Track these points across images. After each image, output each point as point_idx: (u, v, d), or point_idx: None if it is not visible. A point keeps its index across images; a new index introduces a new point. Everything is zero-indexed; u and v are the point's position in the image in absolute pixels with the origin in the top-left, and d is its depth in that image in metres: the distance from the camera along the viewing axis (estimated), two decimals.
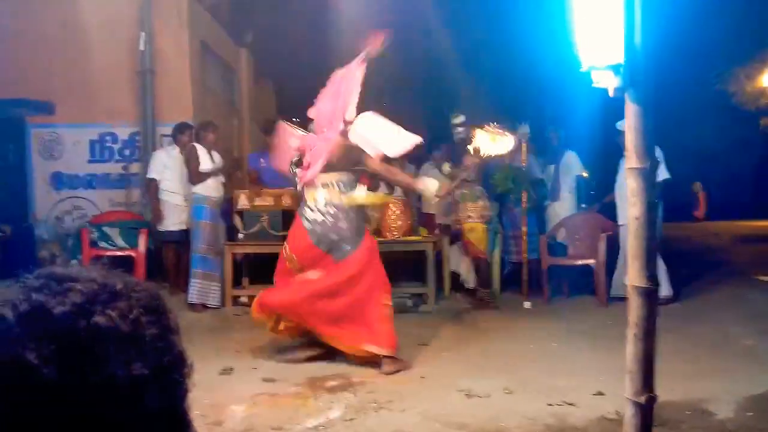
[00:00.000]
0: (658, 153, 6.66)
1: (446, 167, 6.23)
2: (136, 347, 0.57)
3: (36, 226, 7.50)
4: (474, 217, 6.04)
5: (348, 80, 4.21)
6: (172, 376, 0.60)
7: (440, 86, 8.24)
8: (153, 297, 0.63)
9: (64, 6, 7.01)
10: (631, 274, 2.03)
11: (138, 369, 0.56)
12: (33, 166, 7.51)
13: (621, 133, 6.23)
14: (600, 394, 3.43)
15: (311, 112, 4.46)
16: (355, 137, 4.19)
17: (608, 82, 1.96)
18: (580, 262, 6.33)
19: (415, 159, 7.99)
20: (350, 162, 4.23)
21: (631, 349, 2.08)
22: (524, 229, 6.13)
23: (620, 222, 5.82)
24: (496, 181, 6.29)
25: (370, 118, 4.26)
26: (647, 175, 1.95)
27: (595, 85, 2.01)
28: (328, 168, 4.17)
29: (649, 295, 1.99)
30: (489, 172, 6.37)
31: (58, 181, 7.46)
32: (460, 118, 6.06)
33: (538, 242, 6.35)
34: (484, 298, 6.07)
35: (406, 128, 4.34)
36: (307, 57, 8.60)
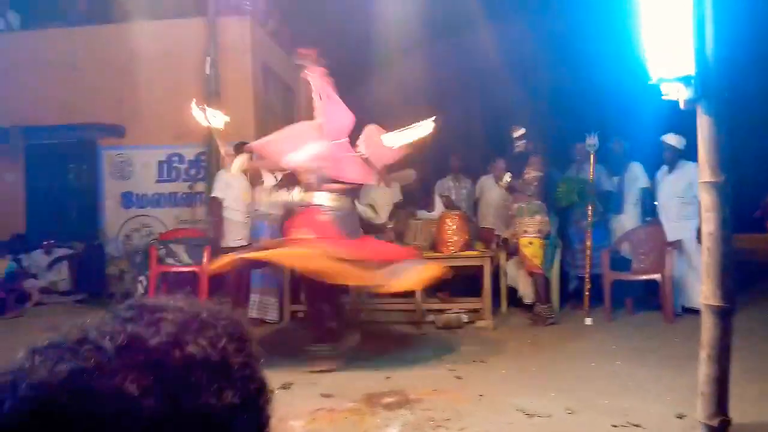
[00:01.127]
0: (638, 166, 6.48)
1: (506, 178, 6.13)
2: (226, 376, 0.58)
3: (106, 243, 7.87)
4: (530, 232, 5.94)
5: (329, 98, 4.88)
6: (257, 403, 0.61)
7: (500, 98, 8.19)
8: (237, 325, 0.63)
9: (133, 36, 7.41)
10: (705, 292, 1.96)
11: (229, 397, 0.56)
12: (104, 187, 7.91)
13: (668, 148, 6.09)
14: (668, 415, 3.30)
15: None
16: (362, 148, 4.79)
17: (679, 94, 1.91)
18: (644, 277, 6.12)
19: (471, 171, 7.96)
20: None
21: (704, 370, 2.01)
22: (588, 243, 5.98)
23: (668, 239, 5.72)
24: (561, 195, 6.16)
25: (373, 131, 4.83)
26: (722, 189, 1.89)
27: (665, 97, 1.96)
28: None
29: (724, 314, 1.92)
30: (553, 185, 6.26)
31: (128, 200, 7.83)
32: (520, 131, 5.98)
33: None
34: (542, 314, 5.94)
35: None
36: (361, 74, 8.74)
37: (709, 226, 1.93)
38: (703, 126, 1.93)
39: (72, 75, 7.73)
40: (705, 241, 1.95)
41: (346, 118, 4.99)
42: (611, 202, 6.57)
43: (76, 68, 7.74)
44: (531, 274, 6.06)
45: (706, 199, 1.94)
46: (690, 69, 1.88)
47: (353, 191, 5.18)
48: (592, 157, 5.97)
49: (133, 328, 0.56)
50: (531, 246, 5.91)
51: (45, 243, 7.59)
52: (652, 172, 6.56)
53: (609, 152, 6.54)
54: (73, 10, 8.05)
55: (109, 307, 0.63)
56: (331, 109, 4.92)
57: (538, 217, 5.92)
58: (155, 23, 7.70)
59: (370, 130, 4.97)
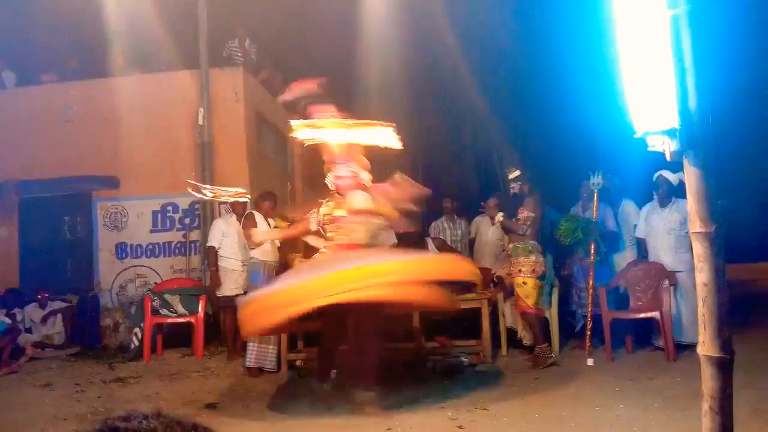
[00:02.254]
0: (630, 203, 6.52)
1: (498, 217, 6.11)
2: None
3: (101, 295, 7.81)
4: (525, 272, 5.89)
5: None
6: None
7: (492, 138, 8.29)
8: (196, 424, 0.67)
9: (127, 89, 7.52)
10: (704, 343, 1.94)
11: None
12: (98, 238, 7.90)
13: (663, 183, 6.13)
14: None
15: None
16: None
17: (665, 146, 1.94)
18: (642, 315, 6.08)
19: (464, 210, 7.99)
20: None
21: (707, 423, 1.97)
22: (591, 282, 5.96)
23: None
24: (563, 232, 6.16)
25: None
26: (714, 239, 1.90)
27: (650, 149, 1.99)
28: None
29: (724, 365, 1.90)
30: (550, 225, 6.27)
31: (122, 251, 7.81)
32: (516, 173, 5.99)
33: (609, 295, 6.15)
34: (540, 354, 5.87)
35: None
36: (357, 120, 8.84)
37: (703, 276, 1.92)
38: (691, 177, 1.95)
39: (66, 129, 7.81)
40: (700, 291, 1.95)
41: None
42: (614, 241, 6.58)
43: (70, 122, 7.82)
44: (523, 314, 5.98)
45: (699, 250, 1.94)
46: (674, 121, 1.90)
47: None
48: (596, 195, 5.98)
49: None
50: (525, 286, 5.86)
51: (39, 296, 7.53)
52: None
53: (603, 189, 6.56)
54: (67, 67, 8.18)
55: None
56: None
57: (532, 257, 5.89)
58: (148, 76, 7.83)
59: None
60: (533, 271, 5.88)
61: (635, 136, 1.95)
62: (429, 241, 7.05)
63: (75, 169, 7.65)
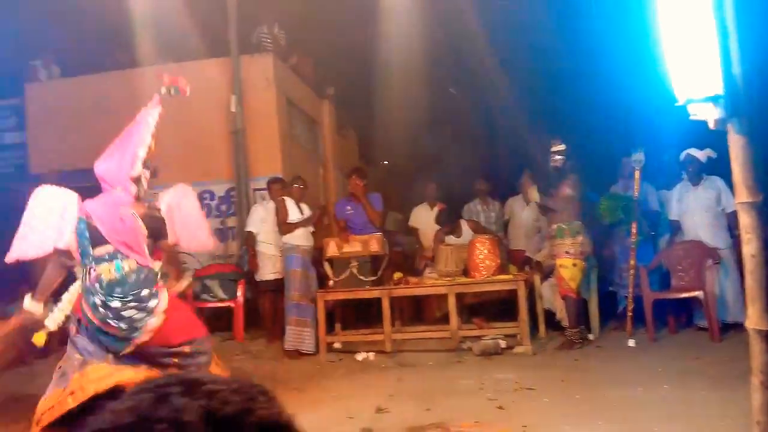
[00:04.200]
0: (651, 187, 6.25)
1: (534, 194, 5.95)
2: None
3: None
4: (573, 253, 5.76)
5: (136, 128, 3.74)
6: None
7: (526, 118, 8.13)
8: (264, 387, 0.67)
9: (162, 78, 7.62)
10: (751, 316, 1.88)
11: None
12: None
13: (693, 161, 5.93)
14: None
15: (98, 168, 3.69)
16: (163, 207, 3.67)
17: (708, 114, 1.86)
18: (684, 295, 5.94)
19: (498, 192, 7.89)
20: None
21: (757, 397, 1.91)
22: (632, 262, 5.82)
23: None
24: (604, 211, 6.02)
25: (186, 196, 3.86)
26: (761, 208, 1.82)
27: (693, 117, 1.92)
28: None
29: None
30: (589, 205, 6.14)
31: None
32: (560, 146, 5.83)
33: (651, 275, 6.02)
34: (571, 338, 5.78)
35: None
36: (386, 105, 8.80)
37: (750, 247, 1.86)
38: (736, 146, 1.87)
39: (104, 119, 7.95)
40: (747, 263, 1.88)
41: None
42: (656, 220, 6.42)
43: (109, 112, 7.97)
44: (563, 297, 5.89)
45: (745, 220, 1.87)
46: (718, 88, 1.83)
47: None
48: (637, 173, 5.83)
49: (202, 402, 0.59)
50: (573, 268, 5.74)
51: None
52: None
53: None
54: (110, 58, 8.34)
55: (142, 386, 0.63)
56: None
57: (580, 238, 5.76)
58: (182, 65, 7.90)
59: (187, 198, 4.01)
60: (581, 252, 5.77)
61: (677, 104, 1.89)
62: (463, 223, 7.00)
63: None
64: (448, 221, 6.88)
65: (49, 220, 3.46)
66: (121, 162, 3.59)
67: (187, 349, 3.43)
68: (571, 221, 5.76)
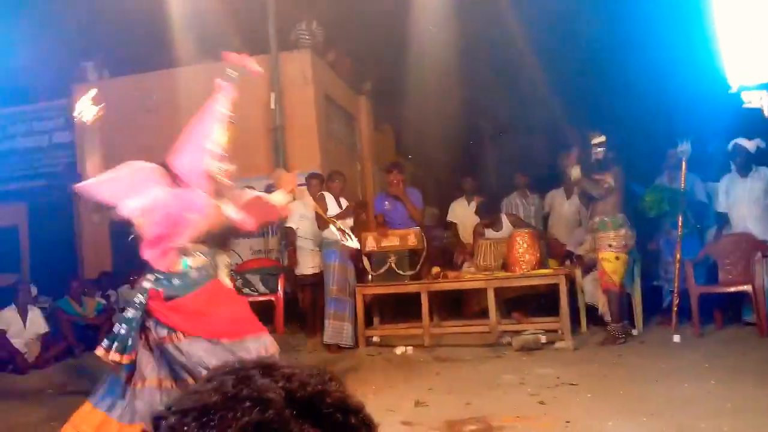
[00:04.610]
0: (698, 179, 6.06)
1: (576, 173, 5.82)
2: (359, 415, 0.64)
3: None
4: (616, 246, 5.66)
5: (201, 119, 3.56)
6: None
7: (567, 109, 7.99)
8: (333, 372, 0.68)
9: (201, 77, 7.75)
10: None
11: None
12: None
13: (741, 152, 5.73)
14: None
15: (172, 165, 3.52)
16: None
17: (761, 101, 1.81)
18: (732, 289, 5.77)
19: (537, 185, 7.78)
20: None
21: None
22: (678, 255, 5.68)
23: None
24: (649, 204, 5.90)
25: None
26: None
27: (746, 105, 1.86)
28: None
29: None
30: (632, 198, 6.01)
31: None
32: (600, 138, 5.73)
33: (697, 269, 5.88)
34: (614, 333, 5.68)
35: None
36: (422, 99, 8.78)
37: None
38: None
39: (146, 118, 8.17)
40: None
41: None
42: (703, 213, 6.25)
43: (150, 111, 8.18)
44: (605, 291, 5.79)
45: None
46: None
47: None
48: (684, 164, 5.69)
49: (282, 383, 0.61)
50: (616, 261, 5.63)
51: (131, 278, 7.97)
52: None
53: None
54: (154, 58, 8.53)
55: (225, 368, 0.65)
56: None
57: (623, 231, 5.65)
58: (221, 63, 8.04)
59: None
60: (625, 245, 5.66)
61: (730, 91, 1.84)
62: (503, 217, 6.94)
63: (158, 156, 7.97)
64: (488, 214, 6.83)
65: (131, 180, 3.50)
66: (191, 157, 3.43)
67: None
68: (614, 214, 5.66)
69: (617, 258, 5.62)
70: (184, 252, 3.37)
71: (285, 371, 0.63)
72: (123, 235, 8.50)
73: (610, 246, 5.63)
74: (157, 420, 0.61)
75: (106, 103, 9.08)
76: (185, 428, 0.58)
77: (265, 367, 0.64)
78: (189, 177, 3.41)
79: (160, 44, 8.27)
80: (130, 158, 8.64)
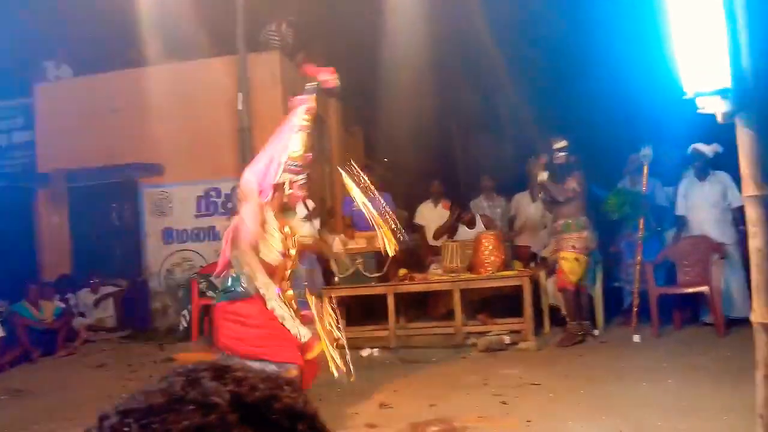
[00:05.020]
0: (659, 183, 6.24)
1: (543, 176, 5.91)
2: (312, 423, 0.62)
3: (149, 279, 8.04)
4: (578, 248, 5.77)
5: (281, 132, 3.65)
6: None
7: (532, 113, 8.11)
8: (289, 377, 0.68)
9: (168, 77, 7.67)
10: (757, 310, 1.89)
11: None
12: (145, 224, 8.12)
13: (699, 156, 5.91)
14: None
15: (246, 175, 3.56)
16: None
17: (716, 107, 1.87)
18: (690, 290, 5.93)
19: (503, 188, 7.88)
20: None
21: (761, 392, 1.92)
22: (639, 257, 5.82)
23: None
24: (611, 207, 6.02)
25: None
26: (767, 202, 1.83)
27: (700, 111, 1.92)
28: None
29: None
30: (594, 200, 6.13)
31: (169, 236, 8.01)
32: (562, 143, 5.83)
33: (657, 271, 6.02)
34: (571, 331, 5.79)
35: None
36: (392, 102, 8.80)
37: (756, 241, 1.86)
38: (744, 139, 1.88)
39: (111, 118, 8.01)
40: (753, 257, 1.89)
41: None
42: (664, 216, 6.40)
43: (116, 111, 8.02)
44: (561, 289, 5.89)
45: (752, 214, 1.87)
46: (726, 82, 1.84)
47: None
48: (645, 168, 5.82)
49: (231, 387, 0.60)
50: (575, 262, 5.75)
51: (91, 281, 7.80)
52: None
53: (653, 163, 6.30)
54: (119, 58, 8.37)
55: (176, 369, 0.64)
56: None
57: (585, 233, 5.77)
58: (187, 64, 7.95)
59: None
60: (586, 247, 5.78)
61: (685, 97, 1.89)
62: (478, 217, 7.02)
63: (121, 157, 7.86)
64: (464, 213, 6.96)
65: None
66: (266, 169, 3.50)
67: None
68: (577, 217, 5.77)
69: (576, 259, 5.74)
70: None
71: (237, 374, 0.62)
72: (85, 238, 8.39)
73: (573, 247, 5.74)
74: (101, 419, 0.60)
75: (69, 103, 8.91)
76: (126, 429, 0.57)
77: (217, 370, 0.63)
78: (261, 187, 3.46)
79: (125, 43, 8.13)
80: (92, 159, 8.47)
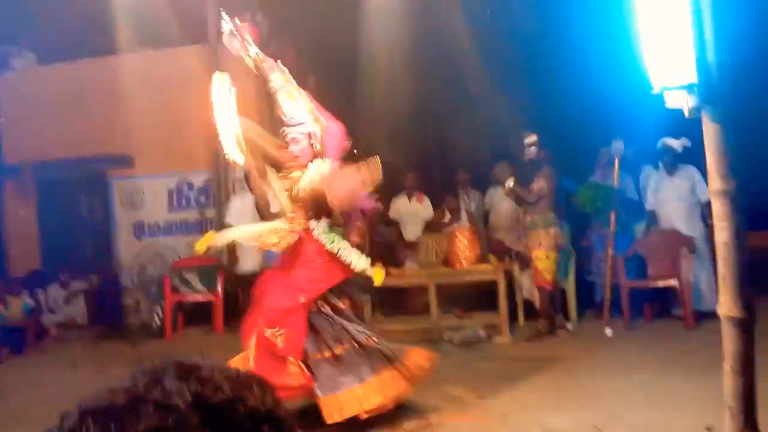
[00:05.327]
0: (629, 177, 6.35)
1: (509, 183, 5.94)
2: (279, 425, 0.61)
3: (121, 274, 7.90)
4: (545, 246, 5.80)
5: None
6: None
7: (506, 108, 8.14)
8: (262, 378, 0.66)
9: (137, 66, 7.50)
10: (724, 304, 1.90)
11: None
12: (116, 218, 7.96)
13: (668, 151, 5.98)
14: (696, 427, 3.21)
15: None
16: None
17: (682, 102, 1.88)
18: (661, 284, 6.01)
19: (477, 182, 7.90)
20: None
21: (728, 383, 1.94)
22: (610, 251, 5.87)
23: None
24: (583, 200, 6.06)
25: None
26: (733, 196, 1.84)
27: (668, 105, 1.93)
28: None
29: (745, 325, 1.87)
30: (565, 194, 6.17)
31: (140, 230, 7.87)
32: (532, 138, 5.84)
33: (628, 264, 6.09)
34: (540, 329, 5.83)
35: None
36: (368, 95, 8.75)
37: (723, 235, 1.88)
38: (710, 133, 1.89)
39: (79, 108, 7.82)
40: (720, 251, 1.90)
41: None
42: (634, 209, 6.47)
43: (83, 101, 7.83)
44: (539, 288, 5.93)
45: (718, 208, 1.89)
46: (692, 77, 1.84)
47: None
48: (616, 162, 5.87)
49: (194, 387, 0.59)
50: (546, 260, 5.78)
51: (61, 277, 7.64)
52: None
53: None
54: (84, 46, 8.15)
55: (142, 367, 0.63)
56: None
57: (552, 230, 5.80)
58: (157, 52, 7.79)
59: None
60: (555, 244, 5.80)
61: (653, 92, 1.90)
62: (464, 212, 7.05)
63: (90, 148, 7.68)
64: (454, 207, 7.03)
65: None
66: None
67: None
68: (544, 213, 5.79)
69: (547, 257, 5.77)
70: None
71: (202, 374, 0.61)
72: (53, 232, 8.20)
73: (540, 245, 5.77)
74: (62, 418, 0.59)
75: (35, 92, 8.67)
76: (84, 429, 0.57)
77: (183, 369, 0.61)
78: None
79: (94, 31, 7.93)
80: (60, 150, 8.26)
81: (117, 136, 7.64)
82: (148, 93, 7.51)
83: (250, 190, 4.07)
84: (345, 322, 3.75)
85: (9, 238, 8.23)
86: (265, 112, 8.10)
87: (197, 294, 6.97)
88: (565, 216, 6.24)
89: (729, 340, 1.92)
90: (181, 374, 0.60)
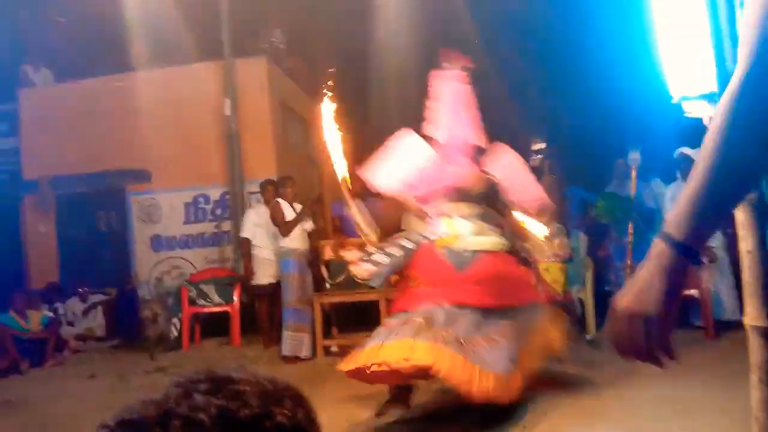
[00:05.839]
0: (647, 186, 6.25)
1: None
2: None
3: (138, 287, 7.97)
4: (550, 257, 5.76)
5: (465, 100, 4.10)
6: None
7: (519, 116, 8.14)
8: (298, 391, 0.67)
9: (156, 83, 7.61)
10: (749, 313, 1.88)
11: None
12: (134, 231, 8.05)
13: (685, 160, 5.93)
14: None
15: (434, 132, 4.07)
16: (496, 172, 4.01)
17: (702, 112, 1.87)
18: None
19: None
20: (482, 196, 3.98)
21: (755, 394, 1.91)
22: (629, 261, 5.83)
23: None
24: (601, 211, 6.02)
25: (514, 161, 4.15)
26: (756, 205, 1.83)
27: (687, 115, 1.92)
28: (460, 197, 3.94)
29: None
30: (580, 205, 6.14)
31: (157, 243, 7.95)
32: (540, 145, 5.84)
33: None
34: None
35: None
36: (382, 107, 8.79)
37: (747, 244, 1.85)
38: None
39: (97, 124, 7.94)
40: (744, 260, 1.87)
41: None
42: (652, 219, 6.42)
43: (101, 117, 7.96)
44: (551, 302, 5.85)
45: (741, 218, 1.86)
46: (713, 85, 1.83)
47: None
48: (633, 172, 5.83)
49: (221, 402, 0.59)
50: (549, 272, 5.73)
51: (80, 290, 7.72)
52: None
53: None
54: (102, 63, 8.30)
55: (176, 379, 0.64)
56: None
57: (557, 241, 5.76)
58: (174, 69, 7.91)
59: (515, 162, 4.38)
60: (559, 255, 5.75)
61: (672, 102, 1.89)
62: None
63: (108, 163, 7.81)
64: None
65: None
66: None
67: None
68: (549, 224, 5.74)
69: (547, 269, 5.71)
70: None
71: (234, 387, 0.61)
72: (72, 245, 8.30)
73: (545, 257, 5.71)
74: (98, 429, 0.60)
75: (55, 109, 8.83)
76: None
77: (216, 382, 0.61)
78: None
79: (111, 48, 8.07)
80: (79, 165, 8.38)
81: (134, 151, 7.75)
82: (164, 109, 7.62)
83: None
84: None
85: (28, 252, 8.35)
86: (279, 125, 8.20)
87: (214, 306, 7.00)
88: (584, 226, 6.19)
89: (756, 350, 1.89)
90: (212, 387, 0.61)
